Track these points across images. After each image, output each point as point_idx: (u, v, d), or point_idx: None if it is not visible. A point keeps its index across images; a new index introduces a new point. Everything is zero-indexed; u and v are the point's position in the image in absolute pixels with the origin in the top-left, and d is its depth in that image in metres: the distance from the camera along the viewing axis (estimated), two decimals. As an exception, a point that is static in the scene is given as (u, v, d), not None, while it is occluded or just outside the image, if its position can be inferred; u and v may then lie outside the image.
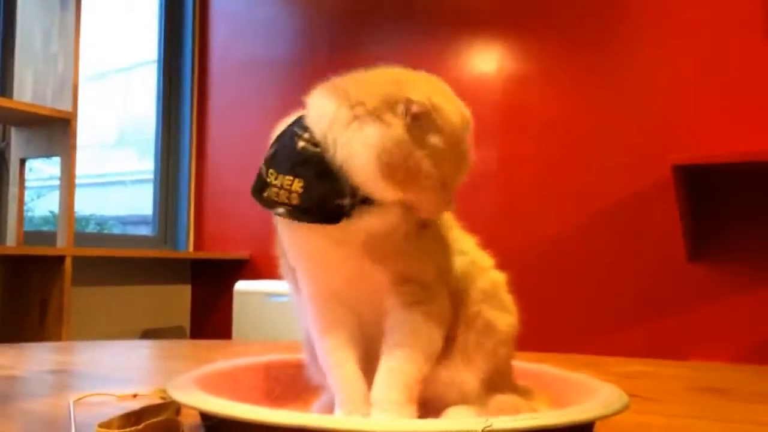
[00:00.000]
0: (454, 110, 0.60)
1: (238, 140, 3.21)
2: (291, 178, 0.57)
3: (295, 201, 0.57)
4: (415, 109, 0.56)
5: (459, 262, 0.66)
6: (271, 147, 0.61)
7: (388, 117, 0.56)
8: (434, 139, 0.57)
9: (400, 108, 0.56)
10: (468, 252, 0.68)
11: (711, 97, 2.26)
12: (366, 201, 0.58)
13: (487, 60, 2.70)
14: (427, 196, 0.58)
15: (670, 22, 2.35)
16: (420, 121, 0.56)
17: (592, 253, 2.43)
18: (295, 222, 0.59)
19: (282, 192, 0.58)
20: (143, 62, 3.36)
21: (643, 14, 2.40)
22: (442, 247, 0.66)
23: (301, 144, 0.58)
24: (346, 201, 0.57)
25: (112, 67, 3.35)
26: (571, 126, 2.51)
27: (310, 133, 0.58)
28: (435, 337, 0.62)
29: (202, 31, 3.37)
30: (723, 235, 2.22)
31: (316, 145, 0.58)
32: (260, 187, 0.60)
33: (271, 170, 0.59)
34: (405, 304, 0.61)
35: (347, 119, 0.57)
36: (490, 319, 0.66)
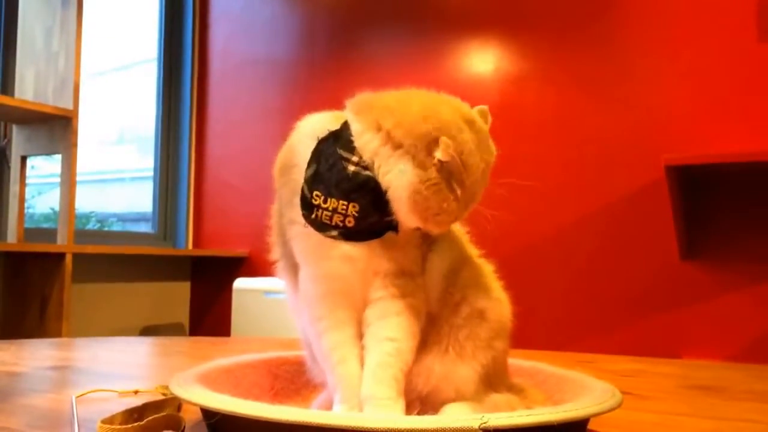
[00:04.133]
0: (478, 160, 0.62)
1: (238, 138, 3.22)
2: (345, 203, 0.60)
3: (350, 224, 0.60)
4: (445, 157, 0.59)
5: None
6: (309, 165, 0.62)
7: (422, 157, 0.60)
8: (457, 185, 0.61)
9: (432, 149, 0.59)
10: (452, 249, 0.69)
11: (704, 98, 2.27)
12: None
13: (482, 60, 2.70)
14: (444, 225, 0.63)
15: (664, 23, 2.36)
16: (448, 166, 0.60)
17: (585, 252, 2.44)
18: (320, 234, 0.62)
19: (336, 216, 0.60)
20: (144, 60, 3.37)
21: (638, 15, 2.41)
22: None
23: (351, 168, 0.61)
24: (394, 217, 0.62)
25: (113, 66, 3.36)
26: (564, 126, 2.52)
27: (359, 156, 0.61)
28: (416, 330, 0.63)
29: (202, 30, 3.38)
30: (715, 235, 2.23)
31: (365, 168, 0.61)
32: (308, 209, 0.62)
33: (316, 192, 0.61)
34: (394, 296, 0.63)
35: (388, 153, 0.61)
36: (479, 307, 0.66)
